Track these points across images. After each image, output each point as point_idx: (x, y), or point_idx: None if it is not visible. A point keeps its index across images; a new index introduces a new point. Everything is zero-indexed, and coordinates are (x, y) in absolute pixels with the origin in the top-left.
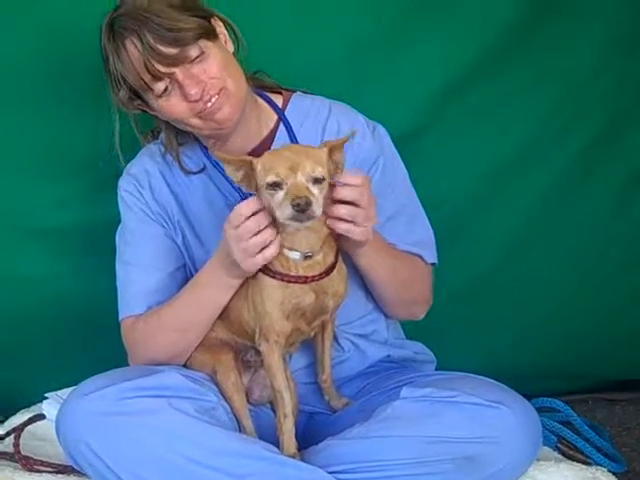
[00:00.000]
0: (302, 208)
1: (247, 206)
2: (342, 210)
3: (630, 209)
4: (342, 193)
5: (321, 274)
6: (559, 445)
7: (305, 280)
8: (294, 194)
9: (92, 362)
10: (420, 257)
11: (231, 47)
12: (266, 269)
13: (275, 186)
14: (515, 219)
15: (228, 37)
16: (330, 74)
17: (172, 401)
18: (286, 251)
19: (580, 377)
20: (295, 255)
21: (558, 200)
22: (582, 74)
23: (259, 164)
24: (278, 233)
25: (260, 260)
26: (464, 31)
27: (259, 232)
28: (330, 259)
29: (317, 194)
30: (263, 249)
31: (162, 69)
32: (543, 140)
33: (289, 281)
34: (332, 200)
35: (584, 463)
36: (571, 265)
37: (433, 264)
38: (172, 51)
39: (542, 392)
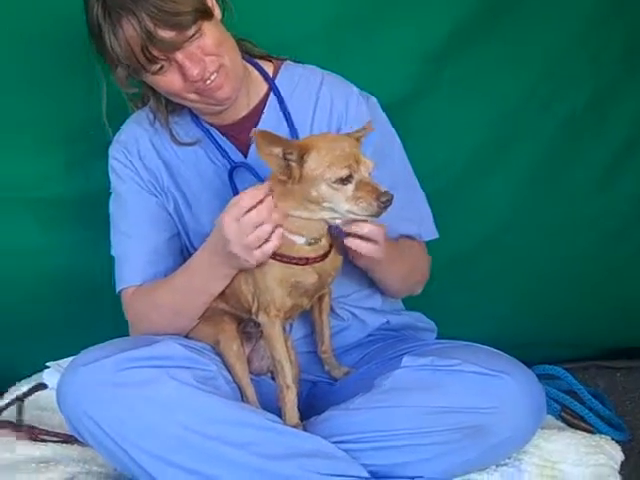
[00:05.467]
0: (388, 204)
1: (251, 197)
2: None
3: (623, 172)
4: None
5: (322, 256)
6: (563, 414)
7: (306, 262)
8: (377, 190)
9: (92, 333)
10: (417, 235)
11: (218, 13)
12: None
13: (345, 180)
14: (510, 186)
15: (215, 3)
16: (315, 42)
17: (171, 371)
18: (290, 235)
19: (581, 345)
20: (300, 240)
21: (551, 167)
22: (569, 40)
23: (312, 154)
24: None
25: (260, 256)
26: None
27: (262, 224)
28: (329, 241)
29: None
30: (264, 242)
31: (159, 54)
32: (531, 108)
33: (289, 262)
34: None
35: (588, 432)
36: (568, 229)
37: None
38: (170, 34)
39: (543, 360)
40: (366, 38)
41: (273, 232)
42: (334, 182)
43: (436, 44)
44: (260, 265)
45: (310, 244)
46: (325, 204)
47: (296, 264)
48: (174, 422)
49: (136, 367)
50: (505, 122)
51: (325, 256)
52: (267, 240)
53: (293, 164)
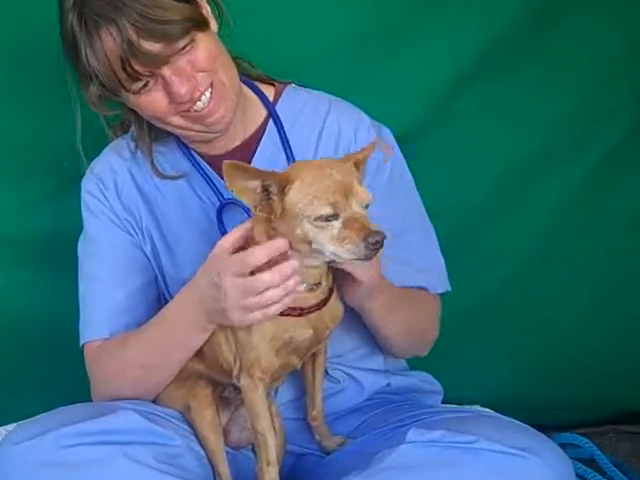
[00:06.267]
0: (379, 246)
1: (258, 257)
2: None
3: None
4: None
5: (318, 304)
6: None
7: (300, 312)
8: (366, 229)
9: (51, 389)
10: (431, 287)
11: (214, 25)
12: None
13: (329, 217)
14: (529, 230)
15: (210, 13)
16: (327, 65)
17: (127, 449)
18: None
19: (599, 407)
20: (299, 286)
21: (577, 209)
22: (607, 69)
23: (295, 185)
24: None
25: (259, 318)
26: (475, 22)
27: (271, 289)
28: (329, 284)
29: None
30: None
31: (142, 70)
32: (562, 142)
33: (282, 314)
34: None
35: None
36: (590, 282)
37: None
38: (156, 47)
39: (556, 424)
40: (378, 65)
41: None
42: (315, 220)
43: (459, 69)
44: None
45: (311, 290)
46: (313, 245)
47: (289, 315)
48: None
49: (82, 444)
50: (531, 157)
51: (323, 303)
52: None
53: (274, 197)
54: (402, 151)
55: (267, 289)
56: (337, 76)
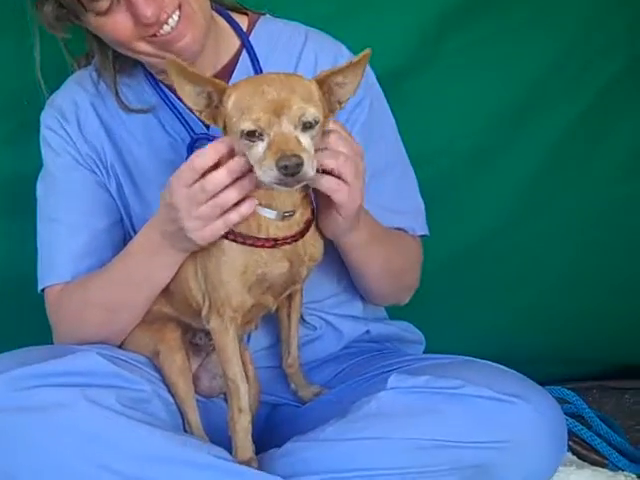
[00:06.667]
0: (291, 171)
1: (204, 157)
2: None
3: None
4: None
5: (295, 235)
6: (571, 443)
7: (274, 244)
8: (281, 151)
9: (14, 338)
10: (410, 229)
11: None
12: None
13: (253, 136)
14: (517, 177)
15: None
16: (303, 4)
17: (88, 391)
18: (258, 208)
19: (585, 361)
20: (270, 214)
21: (568, 155)
22: (600, 8)
23: (232, 98)
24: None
25: (220, 227)
26: None
27: (223, 190)
28: (306, 216)
29: (308, 145)
30: (225, 212)
31: None
32: (554, 83)
33: (254, 245)
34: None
35: (600, 465)
36: (580, 233)
37: (422, 236)
38: None
39: (541, 378)
40: (361, 3)
41: (244, 200)
42: (241, 137)
43: (448, 5)
44: (213, 250)
45: (283, 218)
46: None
47: (262, 247)
48: (89, 459)
49: (39, 386)
50: (521, 99)
51: (300, 235)
52: (232, 208)
53: (219, 107)
54: (384, 91)
55: (218, 193)
56: (318, 13)
